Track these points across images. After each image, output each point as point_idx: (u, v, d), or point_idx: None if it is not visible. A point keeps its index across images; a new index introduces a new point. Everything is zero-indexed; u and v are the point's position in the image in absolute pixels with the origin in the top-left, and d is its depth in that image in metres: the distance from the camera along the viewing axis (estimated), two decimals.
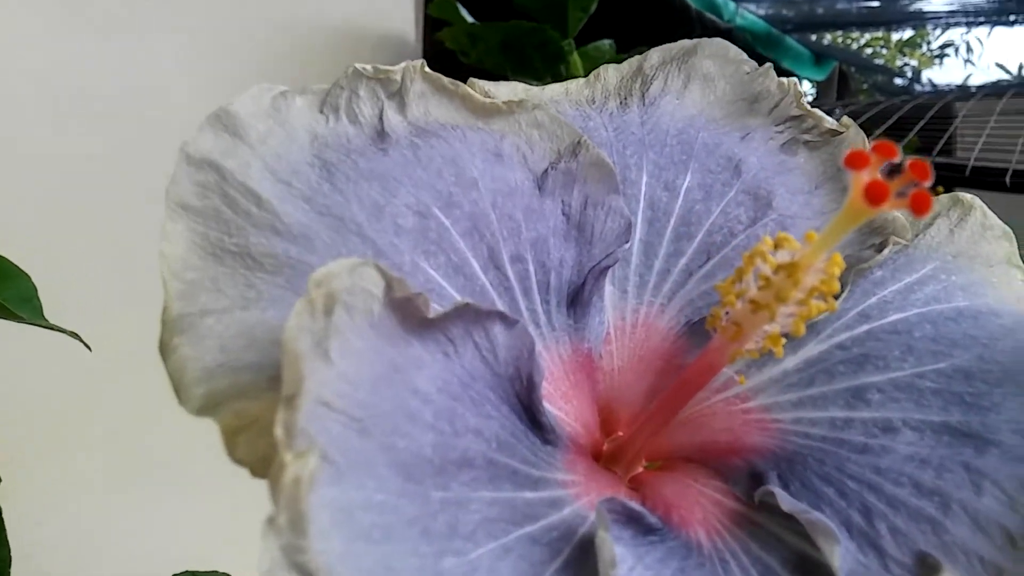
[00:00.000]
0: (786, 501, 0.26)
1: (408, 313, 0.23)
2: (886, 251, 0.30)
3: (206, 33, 1.14)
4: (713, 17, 2.89)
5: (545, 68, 1.42)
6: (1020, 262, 0.32)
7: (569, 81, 0.36)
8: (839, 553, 0.24)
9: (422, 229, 0.27)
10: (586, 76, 0.36)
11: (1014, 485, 0.25)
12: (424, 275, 0.26)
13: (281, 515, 0.17)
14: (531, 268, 0.29)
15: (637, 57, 0.36)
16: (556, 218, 0.30)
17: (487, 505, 0.23)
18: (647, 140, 0.33)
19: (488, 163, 0.29)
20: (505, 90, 0.34)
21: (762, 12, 3.29)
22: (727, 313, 0.25)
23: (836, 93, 4.11)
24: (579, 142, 0.30)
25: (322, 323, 0.21)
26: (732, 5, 3.04)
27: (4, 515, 0.42)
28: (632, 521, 0.25)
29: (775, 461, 0.28)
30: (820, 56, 3.94)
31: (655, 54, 0.36)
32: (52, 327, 0.51)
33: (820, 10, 3.55)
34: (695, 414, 0.30)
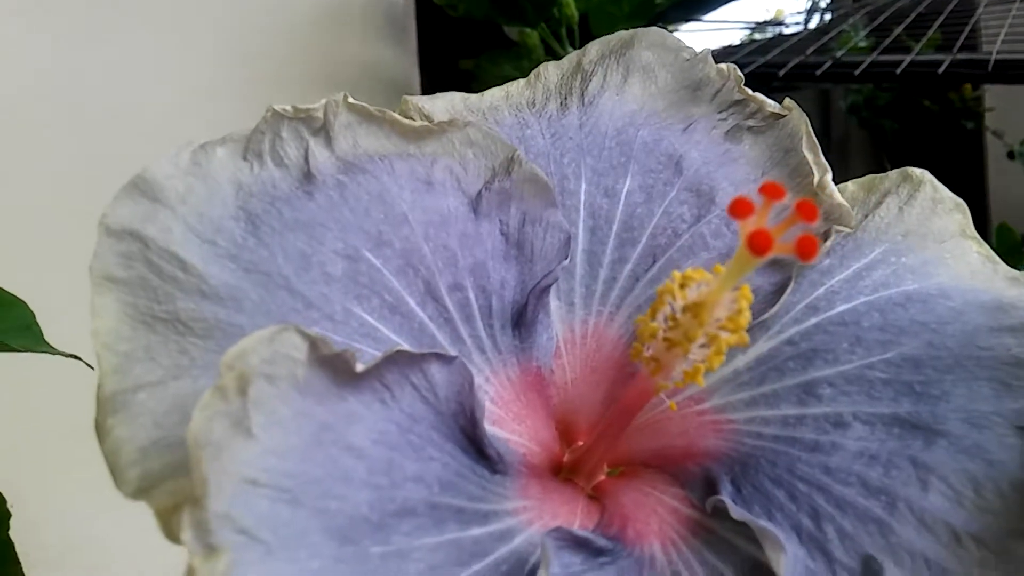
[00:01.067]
0: (735, 509, 0.26)
1: (338, 368, 0.24)
2: (828, 242, 0.30)
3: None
4: None
5: (536, 14, 1.39)
6: (974, 233, 0.32)
7: (510, 83, 0.35)
8: (784, 562, 0.24)
9: (352, 274, 0.27)
10: (527, 76, 0.36)
11: (960, 479, 0.25)
12: (358, 320, 0.26)
13: None
14: (471, 295, 0.29)
15: (576, 52, 0.35)
16: (494, 239, 0.29)
17: (430, 552, 0.23)
18: (585, 145, 0.32)
19: (418, 194, 0.29)
20: (442, 103, 0.34)
21: None
22: (647, 348, 0.25)
23: None
24: (512, 158, 0.30)
25: (238, 403, 0.21)
26: None
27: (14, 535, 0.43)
28: (581, 546, 0.25)
29: (729, 464, 0.28)
30: None
31: (594, 48, 0.35)
32: (54, 352, 0.52)
33: None
34: (651, 419, 0.30)
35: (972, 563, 0.23)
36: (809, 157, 0.32)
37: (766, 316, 0.29)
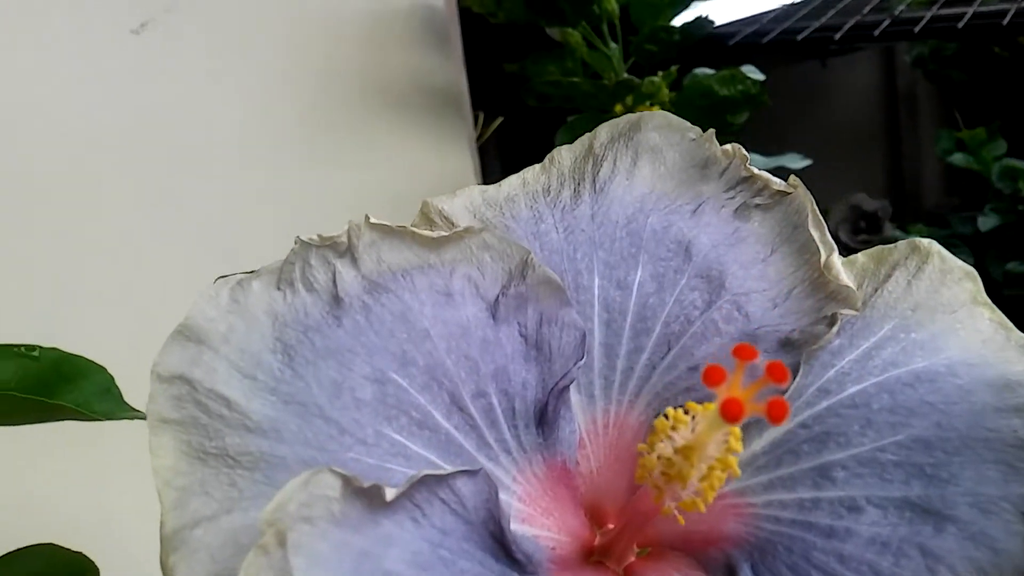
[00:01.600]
0: None
1: (372, 496, 0.26)
2: (835, 328, 0.31)
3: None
4: None
5: (575, 13, 1.40)
6: (986, 299, 0.32)
7: (526, 170, 0.37)
8: None
9: (381, 396, 0.29)
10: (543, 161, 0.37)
11: (966, 567, 0.26)
12: (388, 441, 0.28)
13: None
14: (494, 400, 0.30)
15: (588, 135, 0.37)
16: (513, 342, 0.31)
17: None
18: (597, 238, 0.34)
19: (438, 307, 0.31)
20: (461, 201, 0.35)
21: None
22: (650, 475, 0.27)
23: None
24: (526, 261, 0.32)
25: (279, 555, 0.23)
26: None
27: None
28: None
29: (749, 551, 0.29)
30: None
31: (603, 131, 0.37)
32: (135, 415, 0.55)
33: None
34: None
35: None
36: (815, 235, 0.33)
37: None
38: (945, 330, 0.31)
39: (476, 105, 1.61)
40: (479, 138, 1.65)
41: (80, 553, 0.47)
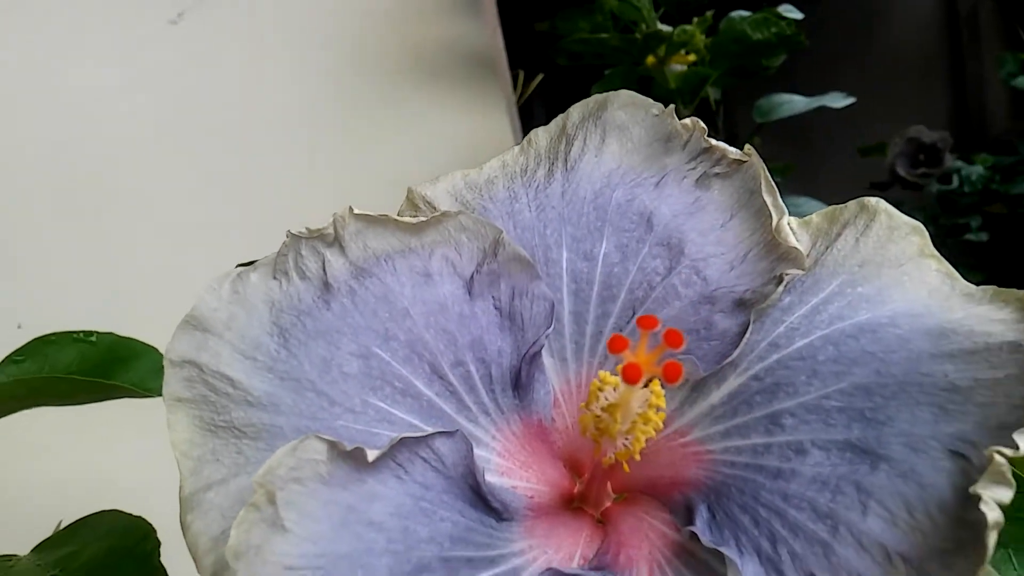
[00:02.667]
0: (706, 536, 0.30)
1: (357, 460, 0.29)
2: (781, 287, 0.33)
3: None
4: None
5: None
6: (933, 251, 0.34)
7: (506, 152, 0.40)
8: None
9: (366, 370, 0.32)
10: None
11: (896, 503, 0.28)
12: (374, 409, 0.32)
13: None
14: (472, 368, 0.34)
15: (561, 116, 0.39)
16: (488, 315, 0.34)
17: None
18: (565, 214, 0.37)
19: (418, 287, 0.34)
20: (443, 185, 0.38)
21: None
22: (589, 429, 0.30)
23: None
24: (498, 240, 0.35)
25: (270, 510, 0.27)
26: None
27: None
28: None
29: (706, 493, 0.32)
30: None
31: (575, 112, 0.39)
32: None
33: None
34: (645, 452, 0.35)
35: None
36: (768, 200, 0.35)
37: (734, 355, 0.33)
38: (891, 283, 0.33)
39: (515, 64, 1.63)
40: (520, 97, 1.66)
41: (140, 517, 0.52)
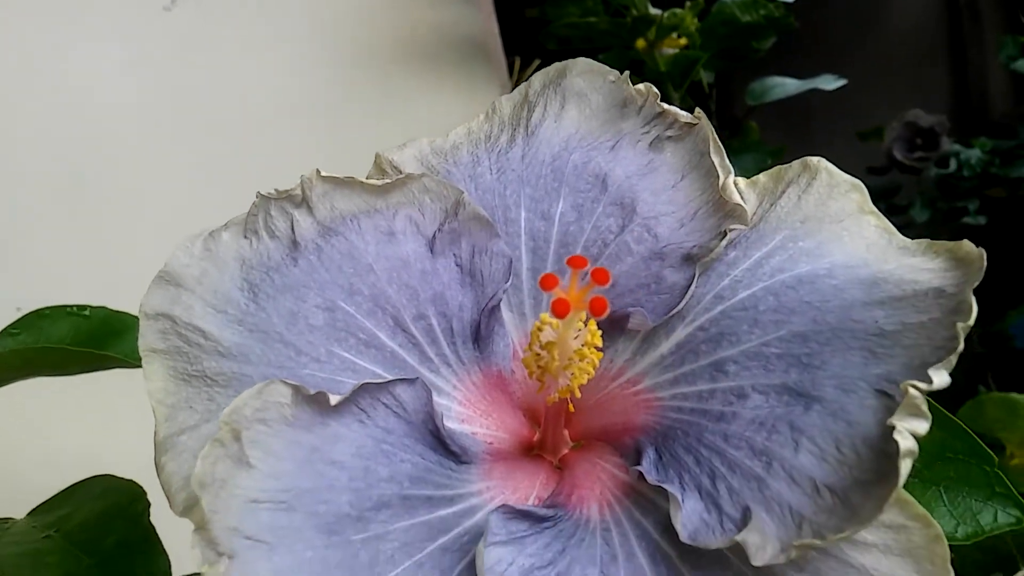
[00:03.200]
0: (651, 475, 0.32)
1: (320, 404, 0.31)
2: (724, 241, 0.35)
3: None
4: None
5: None
6: (873, 208, 0.36)
7: (472, 120, 0.41)
8: (680, 516, 0.30)
9: (331, 322, 0.34)
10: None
11: (826, 440, 0.30)
12: (339, 359, 0.34)
13: None
14: (434, 321, 0.36)
15: (524, 84, 0.41)
16: (450, 272, 0.36)
17: (404, 532, 0.31)
18: (524, 176, 0.38)
19: (381, 245, 0.36)
20: (411, 151, 0.40)
21: None
22: (532, 368, 0.32)
23: None
24: (459, 200, 0.36)
25: (235, 447, 0.29)
26: None
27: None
28: (524, 517, 0.32)
29: (654, 436, 0.34)
30: None
31: (537, 80, 0.41)
32: None
33: None
34: (600, 400, 0.37)
35: (825, 509, 0.28)
36: (716, 160, 0.37)
37: (681, 306, 0.35)
38: (831, 238, 0.35)
39: (511, 51, 1.64)
40: (516, 83, 1.67)
41: (131, 480, 0.54)
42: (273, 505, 0.29)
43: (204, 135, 1.09)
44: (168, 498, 0.31)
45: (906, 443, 0.27)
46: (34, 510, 0.58)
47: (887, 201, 2.44)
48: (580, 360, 0.31)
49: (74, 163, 0.96)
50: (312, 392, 0.31)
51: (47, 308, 0.65)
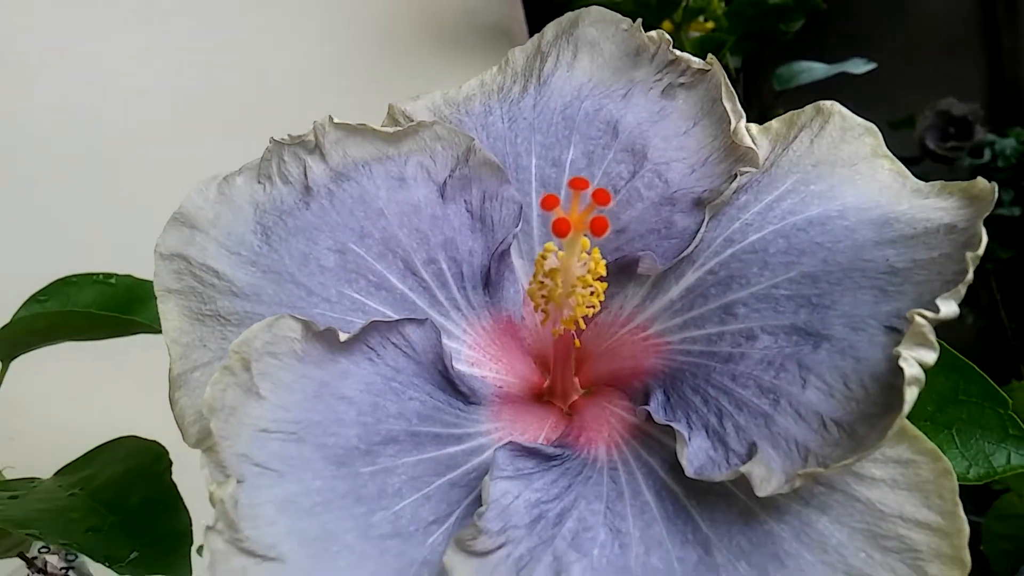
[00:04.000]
0: (658, 415, 0.32)
1: (330, 340, 0.32)
2: (734, 184, 0.35)
3: None
4: None
5: None
6: (886, 152, 0.35)
7: (485, 72, 0.42)
8: (686, 452, 0.30)
9: (342, 263, 0.34)
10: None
11: (834, 376, 0.30)
12: (349, 299, 0.34)
13: (218, 523, 0.26)
14: (444, 266, 0.36)
15: (537, 35, 0.41)
16: (461, 217, 0.36)
17: (412, 467, 0.31)
18: (536, 124, 0.38)
19: (392, 190, 0.36)
20: (423, 103, 0.40)
21: None
22: (537, 299, 0.32)
23: None
24: (470, 147, 0.37)
25: (245, 376, 0.29)
26: None
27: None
28: (532, 454, 0.32)
29: (663, 379, 0.34)
30: None
31: (549, 30, 0.41)
32: None
33: None
34: (609, 347, 0.37)
35: (831, 443, 0.28)
36: (728, 106, 0.36)
37: (691, 250, 0.35)
38: (843, 181, 0.35)
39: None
40: None
41: (154, 441, 0.55)
42: (283, 436, 0.29)
43: (227, 115, 1.11)
44: (181, 431, 0.32)
45: (911, 370, 0.27)
46: (60, 470, 0.59)
47: None
48: (583, 288, 0.31)
49: (100, 135, 0.98)
50: (321, 328, 0.31)
51: (74, 276, 0.66)
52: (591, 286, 0.31)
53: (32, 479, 0.58)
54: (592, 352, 0.37)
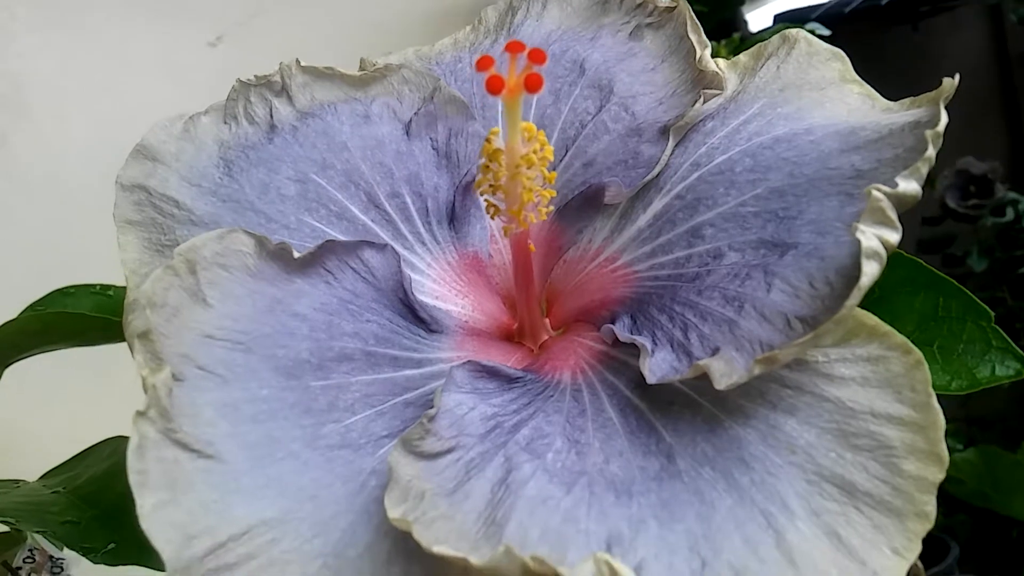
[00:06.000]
0: (622, 334, 0.31)
1: (285, 260, 0.31)
2: (698, 104, 0.34)
3: None
4: None
5: None
6: (855, 76, 0.35)
7: (458, 31, 0.42)
8: (649, 364, 0.29)
9: (303, 192, 0.34)
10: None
11: (799, 277, 0.28)
12: (309, 227, 0.34)
13: (150, 410, 0.26)
14: (408, 200, 0.35)
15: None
16: (426, 154, 0.36)
17: (366, 385, 0.30)
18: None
19: (356, 126, 0.36)
20: (395, 57, 0.41)
21: None
22: (494, 206, 0.31)
23: None
24: (437, 87, 0.37)
25: (191, 280, 0.29)
26: None
27: None
28: (492, 375, 0.31)
29: (630, 305, 0.33)
30: None
31: None
32: None
33: None
34: (579, 282, 0.36)
35: (795, 338, 0.27)
36: (693, 38, 0.36)
37: (656, 174, 0.34)
38: (811, 104, 0.34)
39: None
40: None
41: None
42: (230, 344, 0.29)
43: None
44: (130, 347, 0.31)
45: (869, 243, 0.25)
46: (46, 474, 0.58)
47: (942, 252, 2.38)
48: (528, 168, 0.30)
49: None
50: (275, 245, 0.31)
51: (72, 286, 0.66)
52: (535, 166, 0.30)
53: (18, 480, 0.57)
54: (562, 290, 0.36)
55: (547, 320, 0.36)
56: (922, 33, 2.78)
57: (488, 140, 0.30)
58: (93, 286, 0.68)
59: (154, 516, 0.25)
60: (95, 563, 0.48)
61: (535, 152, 0.30)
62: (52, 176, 1.03)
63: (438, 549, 0.23)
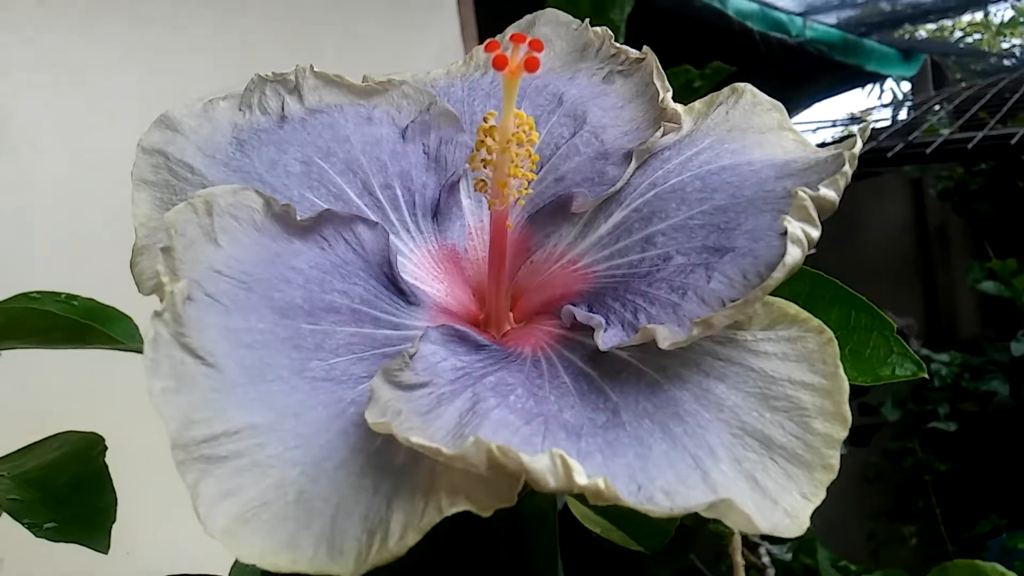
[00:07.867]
0: (580, 314, 0.35)
1: (287, 222, 0.35)
2: (659, 132, 0.40)
3: None
4: (778, 35, 2.91)
5: None
6: (791, 126, 0.41)
7: (451, 63, 0.47)
8: (601, 336, 0.33)
9: (306, 172, 0.38)
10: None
11: (735, 271, 0.33)
12: (310, 203, 0.38)
13: (166, 313, 0.29)
14: (398, 192, 0.40)
15: (500, 35, 0.47)
16: (418, 156, 0.41)
17: (350, 335, 0.33)
18: (491, 92, 0.44)
19: (360, 125, 0.40)
20: (397, 77, 0.46)
21: (833, 20, 3.29)
22: (483, 180, 0.36)
23: (932, 85, 4.05)
24: (433, 102, 0.42)
25: (207, 220, 0.32)
26: (799, 20, 3.06)
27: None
28: (463, 339, 0.35)
29: (587, 297, 0.37)
30: (907, 52, 3.88)
31: (510, 30, 0.47)
32: None
33: (891, 6, 3.50)
34: (543, 281, 0.40)
35: (727, 316, 0.32)
36: (657, 83, 0.42)
37: (617, 190, 0.39)
38: (753, 143, 0.40)
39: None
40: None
41: (92, 432, 0.56)
42: (234, 281, 0.32)
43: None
44: (138, 286, 0.34)
45: (794, 230, 0.30)
46: None
47: (857, 400, 2.47)
48: (517, 145, 0.35)
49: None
50: (280, 206, 0.34)
51: (36, 292, 0.68)
52: (524, 144, 0.35)
53: None
54: (527, 288, 0.40)
55: (511, 315, 0.40)
56: (853, 193, 2.95)
57: (485, 120, 0.35)
58: (59, 294, 0.69)
59: (162, 397, 0.27)
60: (37, 537, 0.49)
61: (524, 132, 0.35)
62: (24, 208, 1.05)
63: (415, 439, 0.27)
